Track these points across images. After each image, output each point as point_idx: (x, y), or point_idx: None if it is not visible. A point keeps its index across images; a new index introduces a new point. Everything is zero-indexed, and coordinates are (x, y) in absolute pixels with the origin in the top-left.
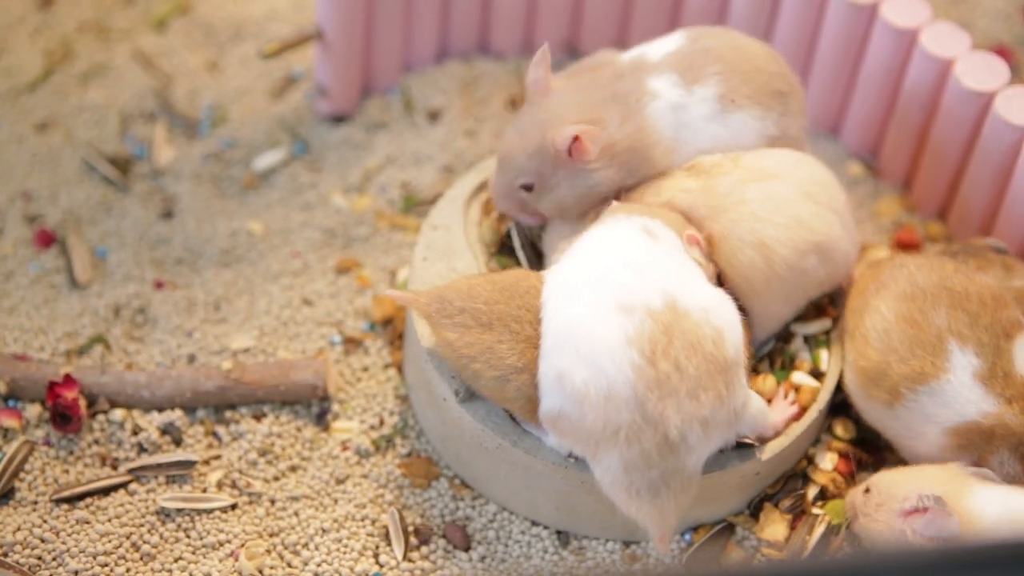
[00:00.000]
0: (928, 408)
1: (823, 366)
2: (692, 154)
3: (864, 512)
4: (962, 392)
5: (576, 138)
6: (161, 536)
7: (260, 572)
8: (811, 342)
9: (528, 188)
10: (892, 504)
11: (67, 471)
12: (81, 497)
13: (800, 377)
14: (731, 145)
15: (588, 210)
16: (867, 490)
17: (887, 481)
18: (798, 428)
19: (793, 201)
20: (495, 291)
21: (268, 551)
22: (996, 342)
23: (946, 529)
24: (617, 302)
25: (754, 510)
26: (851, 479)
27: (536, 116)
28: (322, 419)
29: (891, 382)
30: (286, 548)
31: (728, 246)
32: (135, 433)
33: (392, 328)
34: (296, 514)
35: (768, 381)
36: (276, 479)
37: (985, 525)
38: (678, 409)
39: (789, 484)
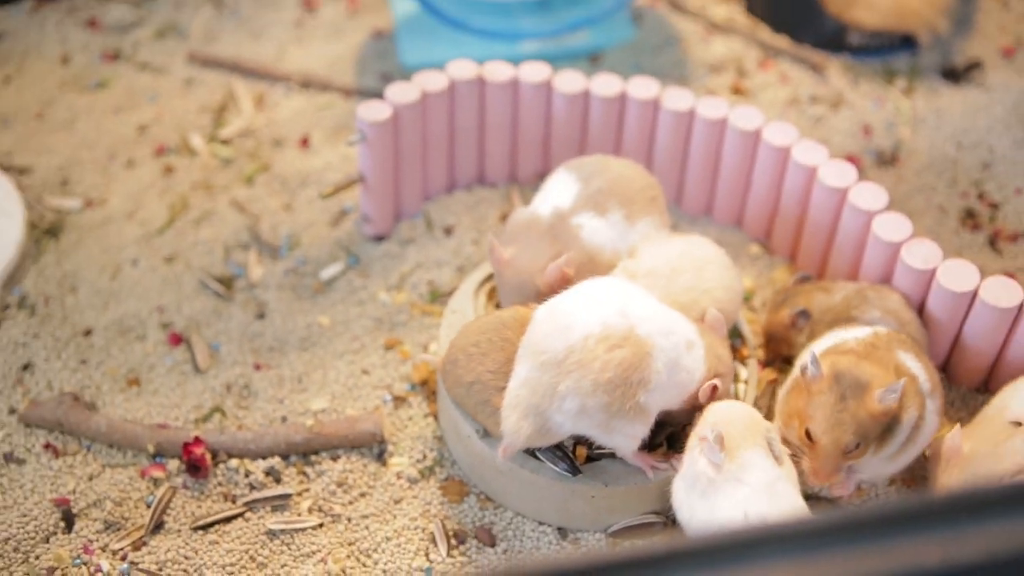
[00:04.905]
0: None
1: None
2: (624, 254)
3: None
4: None
5: (559, 270)
6: (270, 550)
7: (344, 572)
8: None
9: None
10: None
11: (200, 506)
12: (211, 525)
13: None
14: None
15: None
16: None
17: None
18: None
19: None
20: (464, 329)
21: (348, 556)
22: None
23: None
24: (620, 308)
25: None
26: None
27: (513, 278)
28: (381, 457)
29: None
30: (361, 553)
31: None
32: (247, 476)
33: (428, 387)
34: (367, 528)
35: None
36: (351, 503)
37: None
38: (578, 381)
39: None
